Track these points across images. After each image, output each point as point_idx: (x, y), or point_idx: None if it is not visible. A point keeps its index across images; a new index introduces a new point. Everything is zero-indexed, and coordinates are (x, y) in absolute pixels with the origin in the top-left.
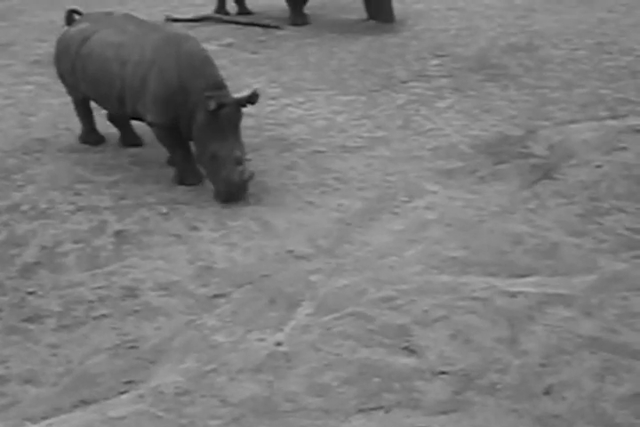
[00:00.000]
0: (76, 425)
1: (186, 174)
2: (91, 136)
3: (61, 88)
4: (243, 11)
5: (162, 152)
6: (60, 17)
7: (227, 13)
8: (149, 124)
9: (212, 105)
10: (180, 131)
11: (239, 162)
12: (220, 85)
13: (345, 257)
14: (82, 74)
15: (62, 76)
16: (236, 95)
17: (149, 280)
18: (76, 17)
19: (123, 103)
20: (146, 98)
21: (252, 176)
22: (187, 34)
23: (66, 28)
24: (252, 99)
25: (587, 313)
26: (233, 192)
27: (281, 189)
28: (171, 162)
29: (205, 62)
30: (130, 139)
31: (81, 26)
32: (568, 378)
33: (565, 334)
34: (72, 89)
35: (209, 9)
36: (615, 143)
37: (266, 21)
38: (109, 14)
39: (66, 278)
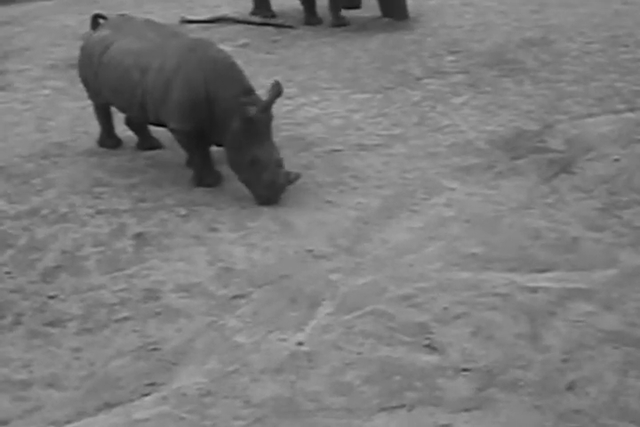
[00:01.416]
0: None
1: (204, 176)
2: (109, 140)
3: (78, 92)
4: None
5: (179, 154)
6: (74, 21)
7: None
8: (171, 130)
9: (253, 111)
10: (205, 136)
11: (280, 164)
12: (250, 91)
13: (364, 255)
14: (104, 82)
15: (85, 82)
16: (265, 97)
17: (170, 282)
18: (101, 21)
19: (145, 110)
20: (169, 105)
21: (297, 177)
22: (208, 40)
23: (91, 32)
24: (279, 94)
25: (608, 307)
26: (276, 194)
27: (299, 189)
28: (189, 163)
29: (233, 69)
30: (148, 143)
31: (102, 33)
32: (590, 373)
33: (587, 328)
34: (94, 94)
35: (223, 10)
36: (633, 136)
37: (280, 21)
38: (130, 19)
39: (87, 282)
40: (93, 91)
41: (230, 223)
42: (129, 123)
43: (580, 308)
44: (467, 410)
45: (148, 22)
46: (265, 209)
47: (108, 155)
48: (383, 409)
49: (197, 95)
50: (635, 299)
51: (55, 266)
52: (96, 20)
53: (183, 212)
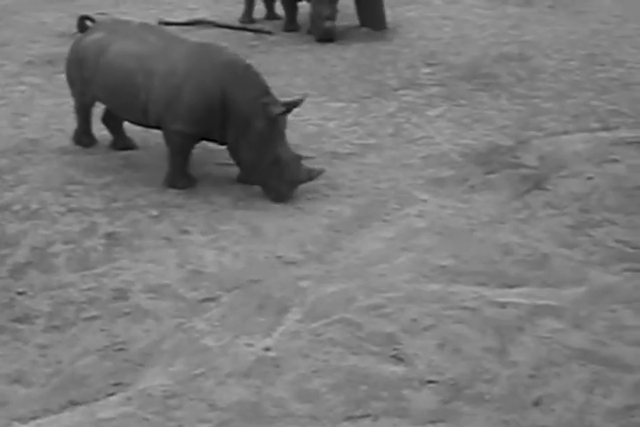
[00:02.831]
0: (64, 426)
1: (177, 178)
2: (84, 138)
3: (55, 89)
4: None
5: (153, 155)
6: (52, 18)
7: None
8: (171, 131)
9: (278, 110)
10: (215, 140)
11: (299, 161)
12: (269, 91)
13: (334, 264)
14: (101, 84)
15: (72, 83)
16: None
17: (139, 283)
18: (89, 24)
19: (146, 114)
20: (179, 109)
21: (320, 173)
22: (217, 44)
23: (79, 35)
24: (298, 105)
25: (576, 325)
26: (294, 191)
27: None
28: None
29: (249, 70)
30: (122, 142)
31: (96, 35)
32: (557, 390)
33: (555, 345)
34: (80, 95)
35: (201, 13)
36: (606, 155)
37: (258, 26)
38: (126, 23)
39: (56, 279)
40: (80, 91)
41: (201, 226)
42: (106, 121)
43: (548, 324)
44: (432, 422)
45: (145, 25)
46: (236, 213)
47: (82, 153)
48: (348, 418)
49: (211, 99)
50: (603, 317)
51: (25, 262)
52: (83, 22)
53: (155, 213)
